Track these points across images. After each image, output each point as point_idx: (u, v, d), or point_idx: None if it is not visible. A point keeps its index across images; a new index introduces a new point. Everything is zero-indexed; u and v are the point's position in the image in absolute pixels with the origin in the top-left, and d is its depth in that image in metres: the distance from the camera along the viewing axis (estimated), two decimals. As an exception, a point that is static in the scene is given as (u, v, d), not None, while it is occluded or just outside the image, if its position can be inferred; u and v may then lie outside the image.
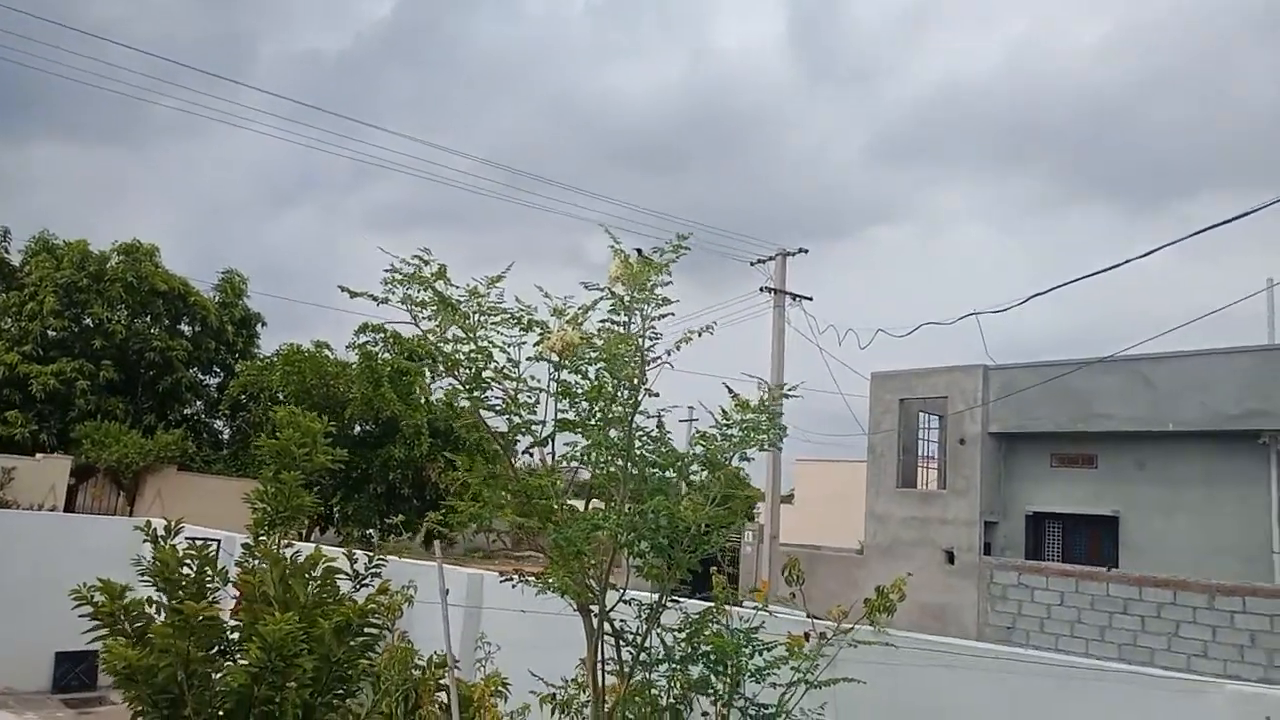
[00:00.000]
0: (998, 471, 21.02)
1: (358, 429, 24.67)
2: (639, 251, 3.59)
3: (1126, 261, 11.72)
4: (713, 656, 3.60)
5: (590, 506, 3.71)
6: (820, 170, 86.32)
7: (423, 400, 22.90)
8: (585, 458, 3.64)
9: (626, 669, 3.82)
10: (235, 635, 5.82)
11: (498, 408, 3.99)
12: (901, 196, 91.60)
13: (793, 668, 3.62)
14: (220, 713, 4.76)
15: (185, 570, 6.68)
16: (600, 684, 3.85)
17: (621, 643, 3.87)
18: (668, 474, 3.69)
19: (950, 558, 20.56)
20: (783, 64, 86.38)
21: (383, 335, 23.70)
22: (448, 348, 3.96)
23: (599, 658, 3.86)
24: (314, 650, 5.03)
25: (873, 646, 3.89)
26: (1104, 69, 68.45)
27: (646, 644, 3.88)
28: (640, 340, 3.54)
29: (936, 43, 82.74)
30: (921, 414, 23.21)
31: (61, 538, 11.89)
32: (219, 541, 9.64)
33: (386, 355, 23.83)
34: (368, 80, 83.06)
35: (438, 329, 3.98)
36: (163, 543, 6.96)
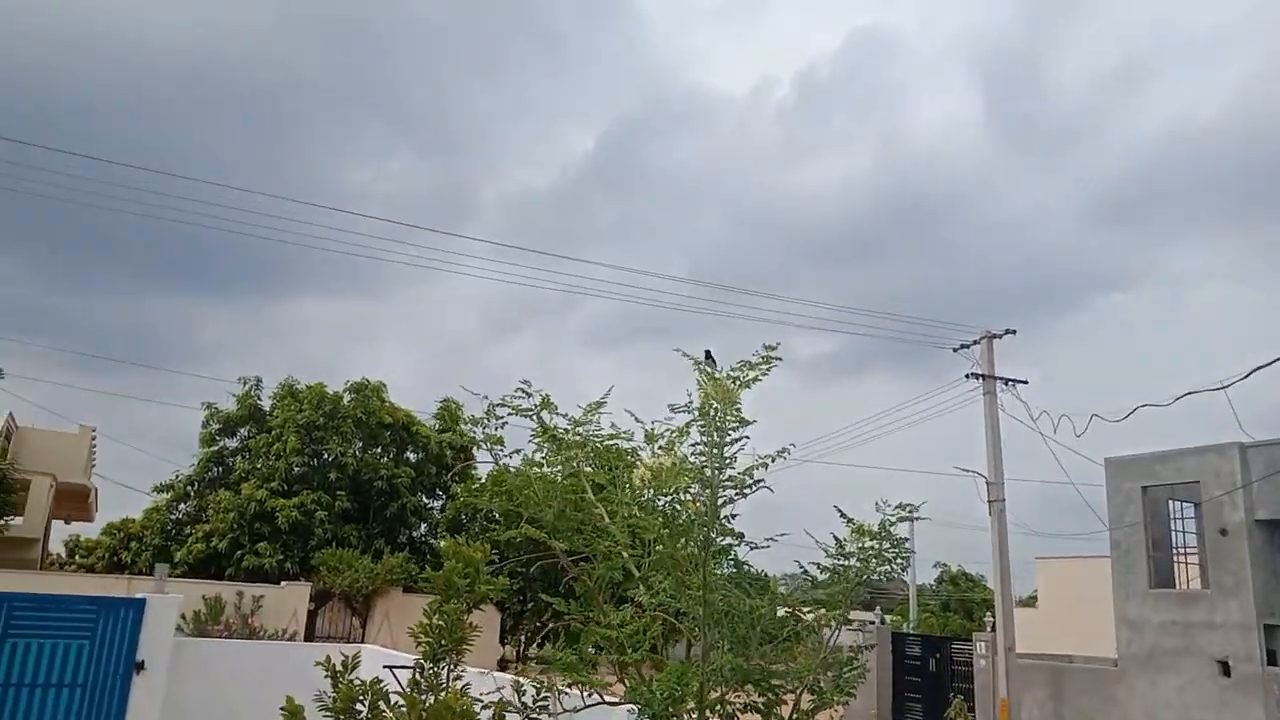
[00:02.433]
0: (1274, 566, 18.04)
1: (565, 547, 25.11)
2: (707, 354, 3.32)
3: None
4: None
5: (690, 656, 3.35)
6: (1033, 244, 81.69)
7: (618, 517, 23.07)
8: (655, 602, 3.32)
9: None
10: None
11: (585, 551, 3.78)
12: (1131, 260, 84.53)
13: None
14: None
15: (359, 708, 6.82)
16: None
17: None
18: (751, 615, 3.26)
19: (1225, 669, 17.65)
20: (981, 137, 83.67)
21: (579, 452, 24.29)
22: (537, 487, 3.82)
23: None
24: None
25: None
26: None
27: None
28: (710, 469, 3.21)
29: (1152, 92, 77.27)
30: (1170, 501, 20.52)
31: (291, 665, 12.65)
32: (413, 669, 9.76)
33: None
34: (576, 208, 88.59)
35: (531, 462, 3.87)
36: (341, 678, 7.17)
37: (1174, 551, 20.31)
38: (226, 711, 11.28)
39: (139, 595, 10.08)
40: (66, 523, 34.81)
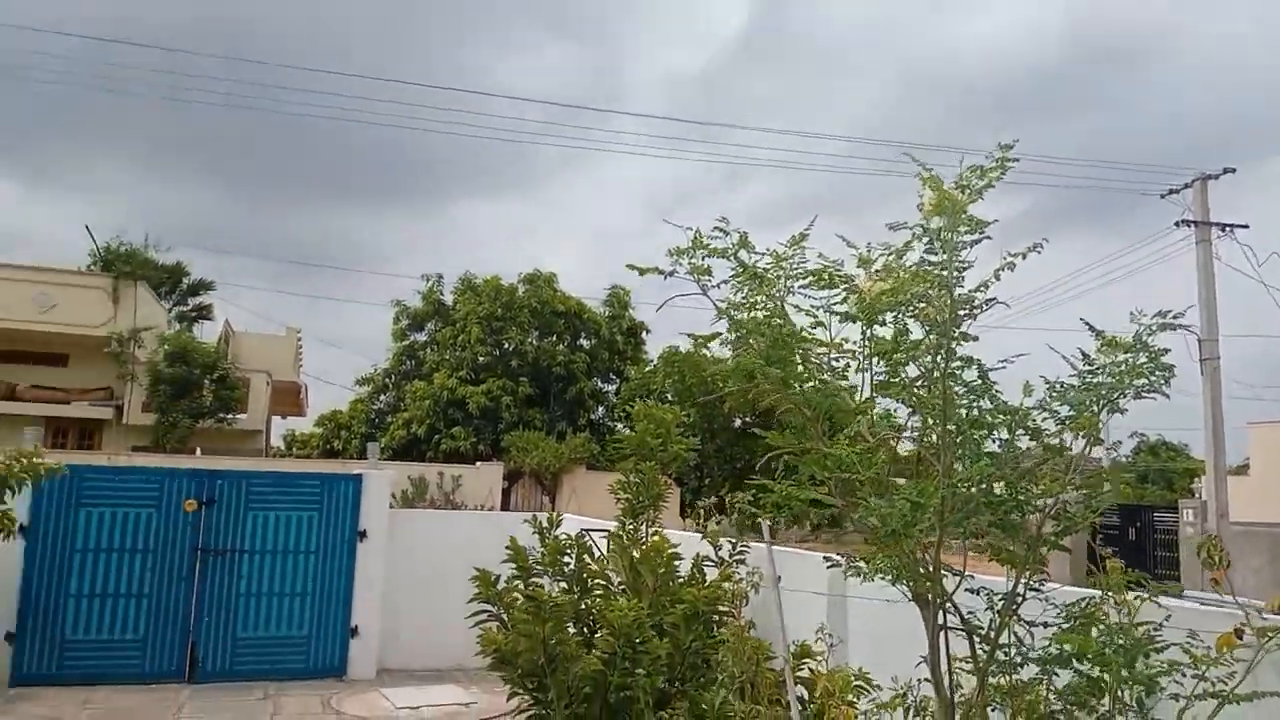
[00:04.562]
0: None
1: (738, 422, 25.30)
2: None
3: None
4: (1088, 660, 2.87)
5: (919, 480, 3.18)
6: (1241, 78, 72.28)
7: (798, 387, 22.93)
8: (885, 424, 3.12)
9: (981, 670, 3.21)
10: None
11: (803, 377, 3.62)
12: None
13: (1197, 676, 2.77)
14: (580, 696, 4.92)
15: (565, 559, 7.16)
16: (950, 687, 3.28)
17: (976, 638, 3.27)
18: (996, 434, 3.02)
19: None
20: (1183, -36, 73.88)
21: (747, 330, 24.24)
22: (744, 316, 3.68)
23: (944, 655, 3.29)
24: (664, 637, 5.03)
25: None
26: None
27: (1002, 641, 3.23)
28: (947, 275, 2.94)
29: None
30: None
31: (494, 531, 13.47)
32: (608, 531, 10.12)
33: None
34: (729, 86, 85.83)
35: (734, 298, 3.73)
36: (547, 535, 7.53)
37: None
38: (439, 571, 12.20)
39: (356, 472, 10.88)
40: (283, 419, 38.30)
